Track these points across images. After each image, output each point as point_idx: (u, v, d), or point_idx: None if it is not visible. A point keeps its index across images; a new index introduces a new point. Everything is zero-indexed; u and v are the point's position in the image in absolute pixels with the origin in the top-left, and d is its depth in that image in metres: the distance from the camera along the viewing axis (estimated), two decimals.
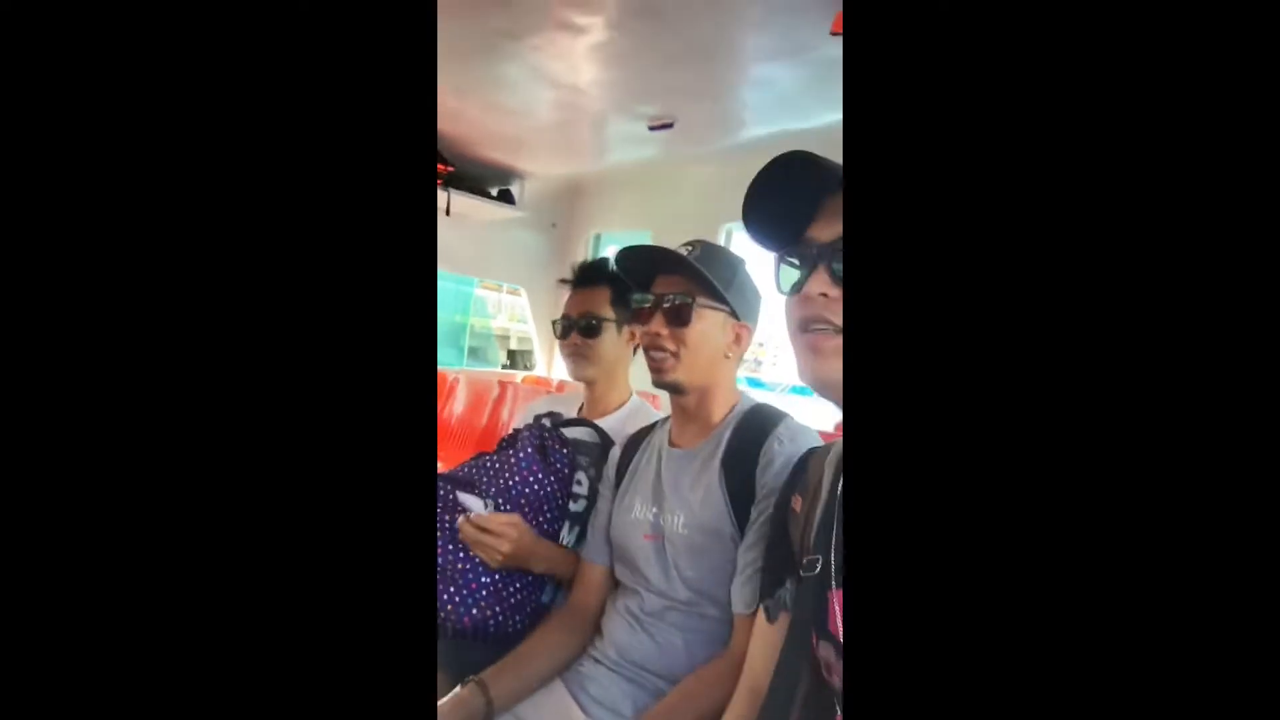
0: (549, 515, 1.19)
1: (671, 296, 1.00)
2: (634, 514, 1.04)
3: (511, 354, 7.23)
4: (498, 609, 1.11)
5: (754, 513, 0.92)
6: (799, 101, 1.85)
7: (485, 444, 2.82)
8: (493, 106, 2.14)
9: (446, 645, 1.06)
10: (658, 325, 1.00)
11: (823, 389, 0.62)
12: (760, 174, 0.64)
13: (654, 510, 1.02)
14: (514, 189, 2.98)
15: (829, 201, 0.61)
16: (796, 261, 0.63)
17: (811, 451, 0.81)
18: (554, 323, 1.42)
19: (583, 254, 3.17)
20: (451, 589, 1.09)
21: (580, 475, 1.22)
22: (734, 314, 1.01)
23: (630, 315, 1.11)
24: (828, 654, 0.68)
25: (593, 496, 1.19)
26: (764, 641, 0.77)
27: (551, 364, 3.45)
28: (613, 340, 1.38)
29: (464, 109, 2.18)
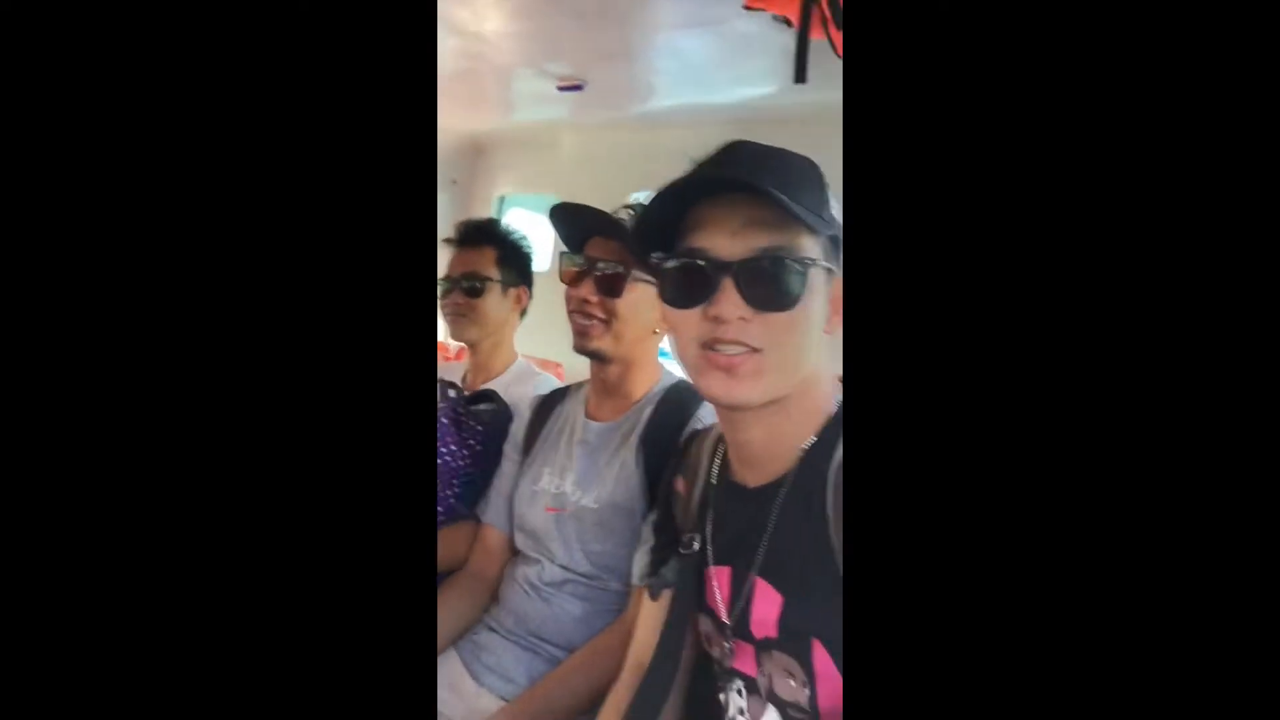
0: (456, 489, 1.17)
1: (604, 264, 0.95)
2: (540, 484, 1.03)
3: None
4: None
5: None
6: (711, 74, 1.85)
7: None
8: None
9: None
10: (587, 291, 0.95)
11: (731, 407, 0.61)
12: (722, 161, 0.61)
13: (561, 482, 1.00)
14: None
15: (753, 212, 0.58)
16: (675, 265, 0.59)
17: (694, 434, 0.82)
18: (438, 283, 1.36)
19: (485, 215, 3.06)
20: None
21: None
22: None
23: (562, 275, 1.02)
24: (708, 628, 0.71)
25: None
26: (648, 617, 0.79)
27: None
28: (497, 301, 1.34)
29: None
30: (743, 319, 0.58)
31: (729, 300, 0.58)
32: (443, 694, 0.97)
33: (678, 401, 0.97)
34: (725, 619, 0.67)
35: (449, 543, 1.12)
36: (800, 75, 0.85)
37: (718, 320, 0.58)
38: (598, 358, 0.99)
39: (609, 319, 0.95)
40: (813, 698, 0.60)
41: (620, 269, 0.94)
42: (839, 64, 0.53)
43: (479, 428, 1.20)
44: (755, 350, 0.58)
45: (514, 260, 1.37)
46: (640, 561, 0.90)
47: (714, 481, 0.73)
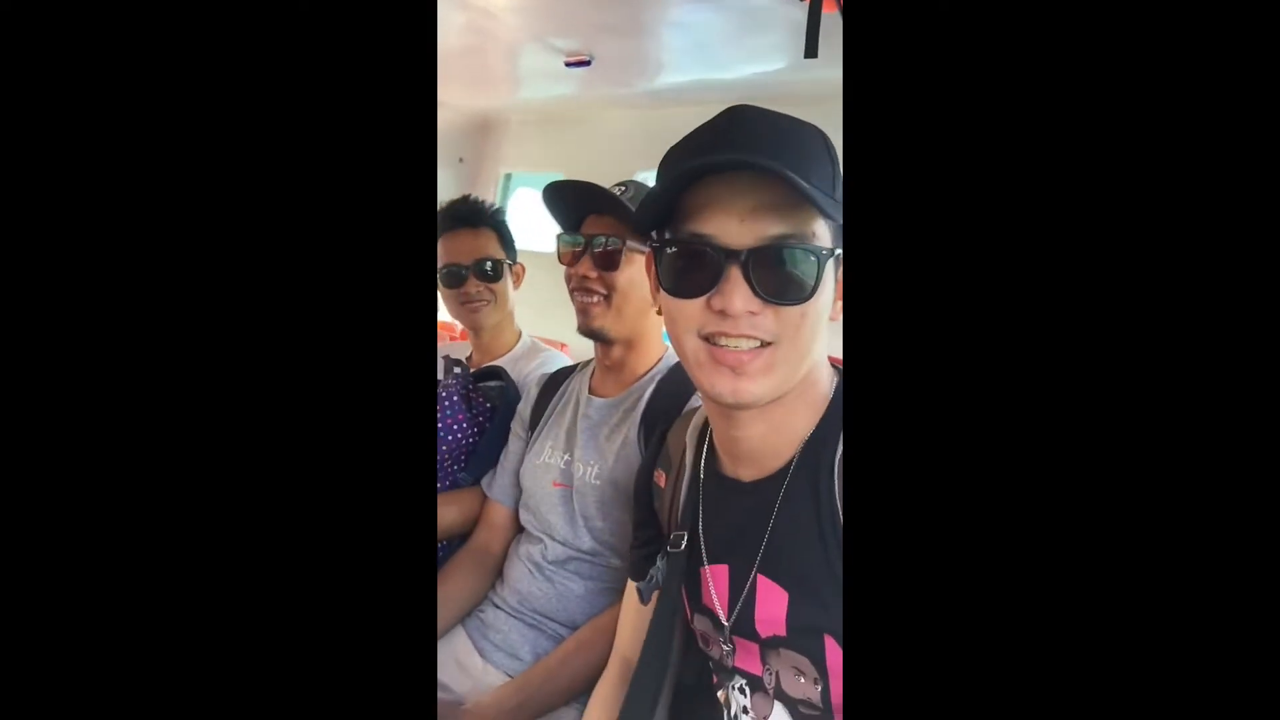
0: (465, 464, 1.18)
1: (602, 239, 0.95)
2: (544, 458, 1.03)
3: None
4: None
5: None
6: (720, 50, 1.82)
7: None
8: None
9: None
10: (585, 268, 0.95)
11: (737, 404, 0.57)
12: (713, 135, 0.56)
13: (565, 457, 1.01)
14: None
15: (763, 198, 0.53)
16: (676, 250, 0.55)
17: (672, 424, 0.79)
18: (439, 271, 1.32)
19: (493, 194, 3.04)
20: None
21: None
22: None
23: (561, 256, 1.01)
24: (705, 627, 0.68)
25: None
26: (631, 610, 0.78)
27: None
28: (508, 281, 1.34)
29: None
30: (752, 312, 0.54)
31: (737, 292, 0.53)
32: (451, 671, 0.98)
33: (680, 379, 0.97)
34: (725, 619, 0.65)
35: (453, 507, 1.13)
36: (811, 50, 0.83)
37: (724, 313, 0.54)
38: (601, 338, 0.99)
39: (609, 293, 0.95)
40: (825, 693, 0.58)
41: (618, 242, 0.94)
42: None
43: (489, 405, 1.21)
44: (764, 345, 0.55)
45: (509, 237, 1.37)
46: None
47: (700, 475, 0.70)
